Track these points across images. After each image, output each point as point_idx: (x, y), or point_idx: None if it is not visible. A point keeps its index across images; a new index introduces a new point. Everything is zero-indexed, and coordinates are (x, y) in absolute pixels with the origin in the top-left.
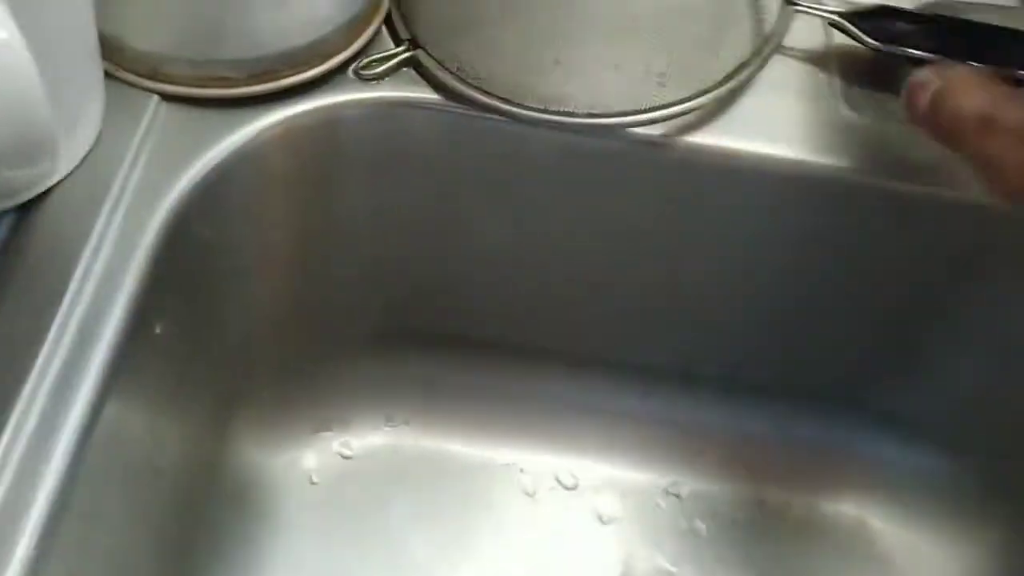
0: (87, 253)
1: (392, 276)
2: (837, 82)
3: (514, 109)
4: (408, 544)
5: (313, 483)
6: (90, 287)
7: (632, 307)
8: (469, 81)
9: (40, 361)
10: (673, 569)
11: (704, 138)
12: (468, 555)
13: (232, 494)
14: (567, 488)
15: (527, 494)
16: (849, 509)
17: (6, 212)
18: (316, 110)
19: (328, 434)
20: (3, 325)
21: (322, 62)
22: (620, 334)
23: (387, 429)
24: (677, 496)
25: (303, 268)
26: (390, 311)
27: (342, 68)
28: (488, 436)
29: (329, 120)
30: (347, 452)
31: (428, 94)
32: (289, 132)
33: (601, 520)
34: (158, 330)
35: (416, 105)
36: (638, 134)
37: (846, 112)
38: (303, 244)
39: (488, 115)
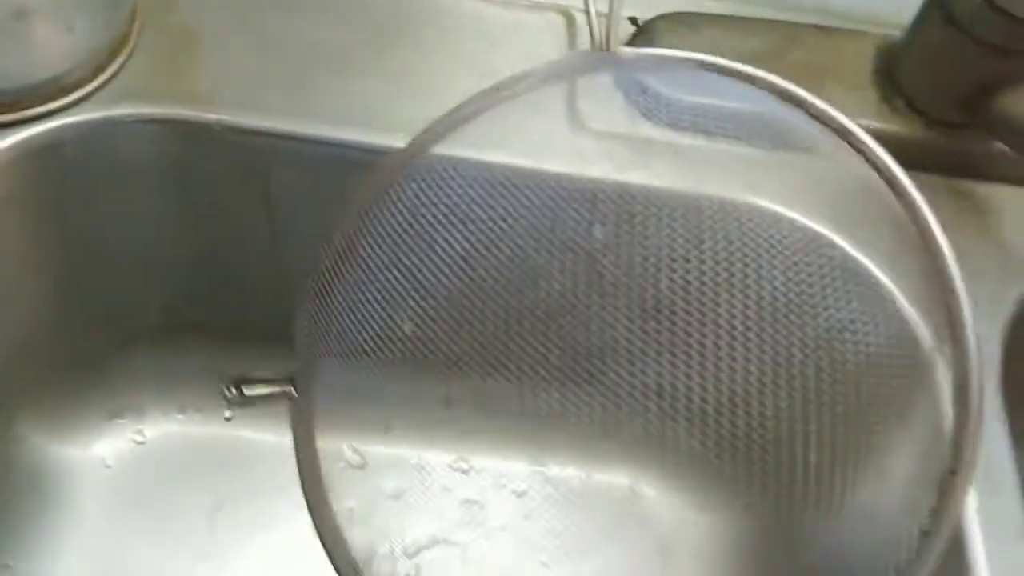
0: None
1: (162, 277)
2: None
3: None
4: (201, 528)
5: (107, 467)
6: None
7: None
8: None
9: None
10: (454, 539)
11: None
12: (263, 538)
13: (23, 484)
14: (354, 467)
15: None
16: (623, 479)
17: None
18: (57, 130)
19: (121, 422)
20: None
21: (66, 95)
22: None
23: (180, 417)
24: (462, 472)
25: (70, 271)
26: (170, 307)
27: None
28: (279, 421)
29: (70, 138)
30: (140, 439)
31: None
32: (30, 151)
33: (389, 495)
34: None
35: (153, 120)
36: None
37: None
38: (65, 251)
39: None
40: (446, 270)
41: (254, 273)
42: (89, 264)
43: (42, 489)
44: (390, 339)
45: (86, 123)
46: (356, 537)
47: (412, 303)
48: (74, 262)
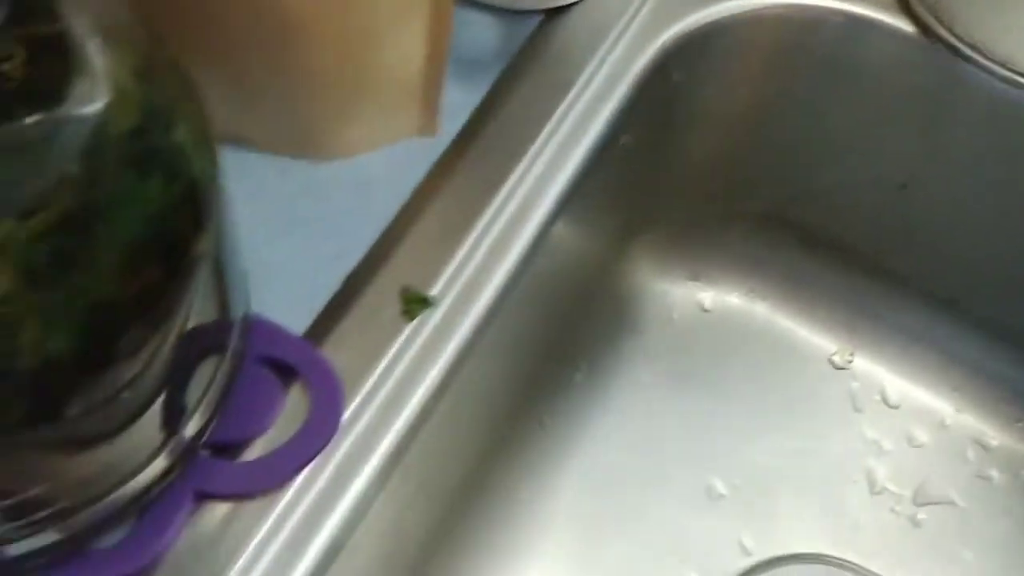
0: (590, 66)
1: (795, 170)
2: None
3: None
4: (735, 400)
5: (672, 320)
6: (587, 92)
7: (994, 265)
8: (941, 20)
9: (540, 139)
10: (961, 504)
11: None
12: (781, 430)
13: (612, 306)
14: (890, 406)
15: (852, 399)
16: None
17: (535, 12)
18: (792, 6)
19: (695, 284)
20: (520, 104)
21: None
22: (979, 284)
23: (744, 297)
24: (985, 447)
25: (737, 135)
26: (780, 200)
27: None
28: (834, 337)
29: (801, 19)
30: (706, 305)
31: (895, 20)
32: (766, 19)
33: (910, 443)
34: (622, 142)
35: (880, 28)
36: None
37: None
38: (744, 116)
39: (948, 56)
40: None
41: (875, 197)
42: (757, 133)
43: (624, 314)
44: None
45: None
46: None
47: None
48: (747, 126)
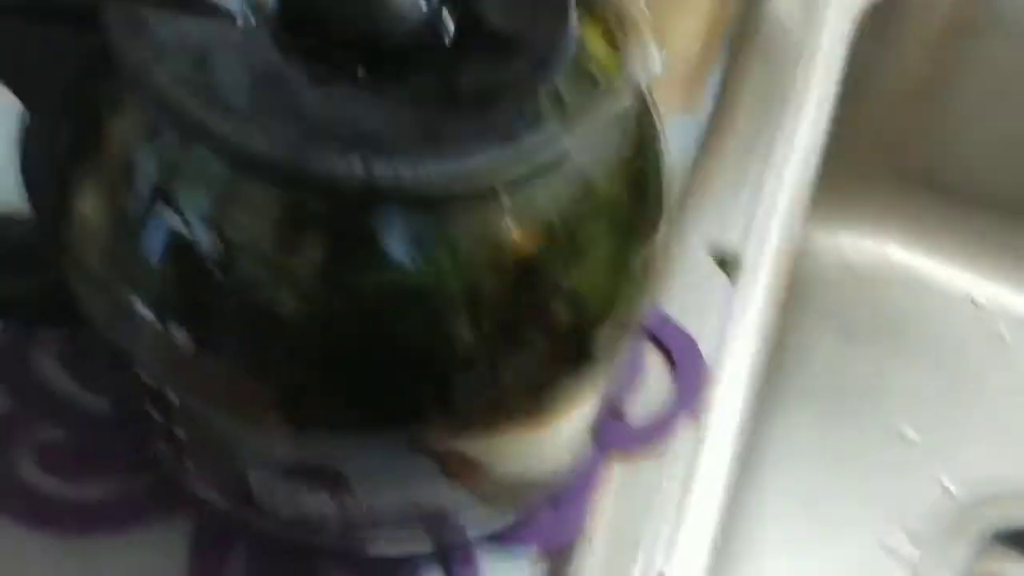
0: (808, 36)
1: (945, 127)
2: None
3: None
4: (896, 348)
5: (826, 277)
6: (811, 61)
7: None
8: None
9: (791, 106)
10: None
11: None
12: (942, 369)
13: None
14: None
15: (999, 337)
16: None
17: None
18: None
19: (843, 240)
20: (756, 76)
21: None
22: None
23: (888, 249)
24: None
25: (899, 95)
26: (926, 155)
27: None
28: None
29: None
30: (853, 261)
31: None
32: None
33: None
34: None
35: None
36: None
37: None
38: (911, 79)
39: None
40: None
41: None
42: (915, 102)
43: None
44: None
45: None
46: None
47: None
48: (900, 94)
